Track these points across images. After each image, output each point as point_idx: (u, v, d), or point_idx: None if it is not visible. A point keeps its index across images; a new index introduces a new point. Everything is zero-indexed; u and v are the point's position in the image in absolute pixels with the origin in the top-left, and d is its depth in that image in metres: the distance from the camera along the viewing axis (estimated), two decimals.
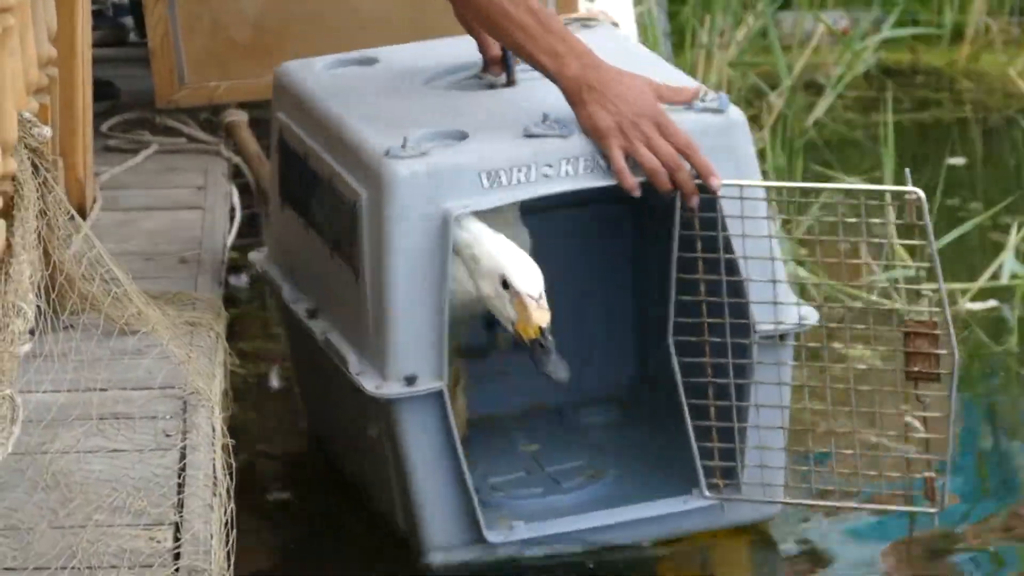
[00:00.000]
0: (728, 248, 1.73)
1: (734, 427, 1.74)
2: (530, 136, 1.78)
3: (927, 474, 1.73)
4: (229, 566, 1.52)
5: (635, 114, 1.69)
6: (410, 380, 1.76)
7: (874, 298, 2.52)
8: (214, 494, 1.70)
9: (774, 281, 1.72)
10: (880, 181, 2.92)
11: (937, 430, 1.77)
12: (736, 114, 1.82)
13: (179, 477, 1.71)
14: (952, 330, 1.73)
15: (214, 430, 1.86)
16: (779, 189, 2.20)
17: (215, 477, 1.73)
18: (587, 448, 2.10)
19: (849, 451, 1.86)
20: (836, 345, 2.07)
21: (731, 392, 1.75)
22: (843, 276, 2.14)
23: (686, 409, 1.77)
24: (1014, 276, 2.78)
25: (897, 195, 1.82)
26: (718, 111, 1.80)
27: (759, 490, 1.79)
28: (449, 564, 1.84)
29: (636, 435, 2.09)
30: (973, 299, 2.79)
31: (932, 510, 1.76)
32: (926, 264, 1.83)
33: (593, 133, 1.73)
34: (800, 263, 2.65)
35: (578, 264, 2.04)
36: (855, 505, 1.87)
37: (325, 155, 1.91)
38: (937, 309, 1.75)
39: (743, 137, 1.83)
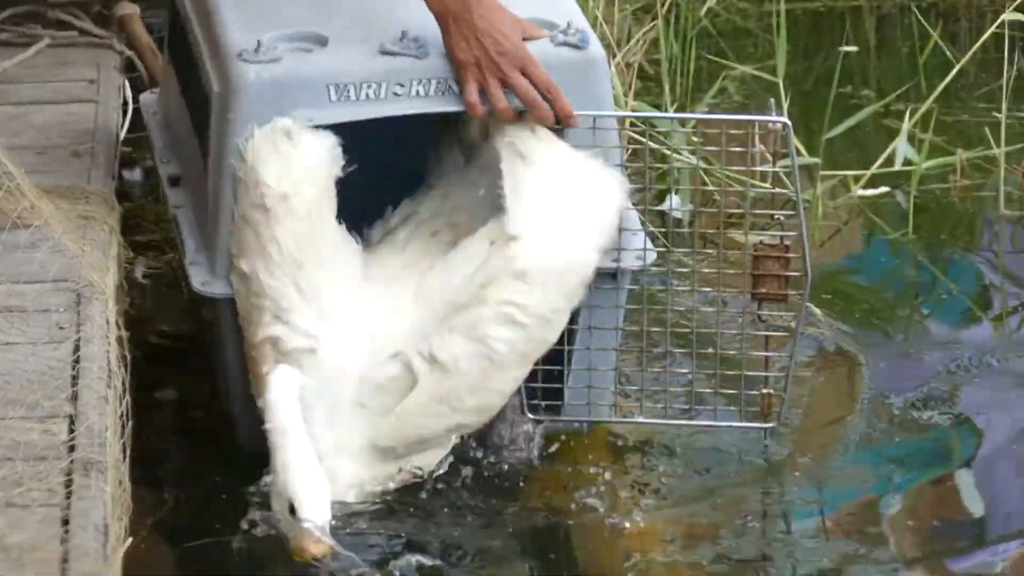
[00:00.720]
0: None
1: (564, 351, 1.80)
2: (385, 53, 1.77)
3: (765, 391, 1.85)
4: (124, 458, 1.55)
5: (497, 52, 1.73)
6: None
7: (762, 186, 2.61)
8: (109, 386, 1.72)
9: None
10: (773, 71, 2.94)
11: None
12: (596, 51, 1.87)
13: (73, 370, 1.72)
14: (807, 252, 1.82)
15: (108, 322, 1.86)
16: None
17: (110, 369, 1.75)
18: None
19: (686, 371, 1.97)
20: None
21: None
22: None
23: None
24: (907, 162, 2.86)
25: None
26: (578, 47, 1.84)
27: (584, 410, 1.87)
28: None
29: None
30: (866, 186, 2.89)
31: (766, 426, 1.88)
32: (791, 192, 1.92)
33: (454, 63, 1.76)
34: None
35: None
36: (684, 423, 1.96)
37: (198, 34, 1.93)
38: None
39: (601, 73, 1.88)
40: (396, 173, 1.95)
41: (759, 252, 1.87)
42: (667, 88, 3.02)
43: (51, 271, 1.93)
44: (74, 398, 1.69)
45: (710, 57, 3.31)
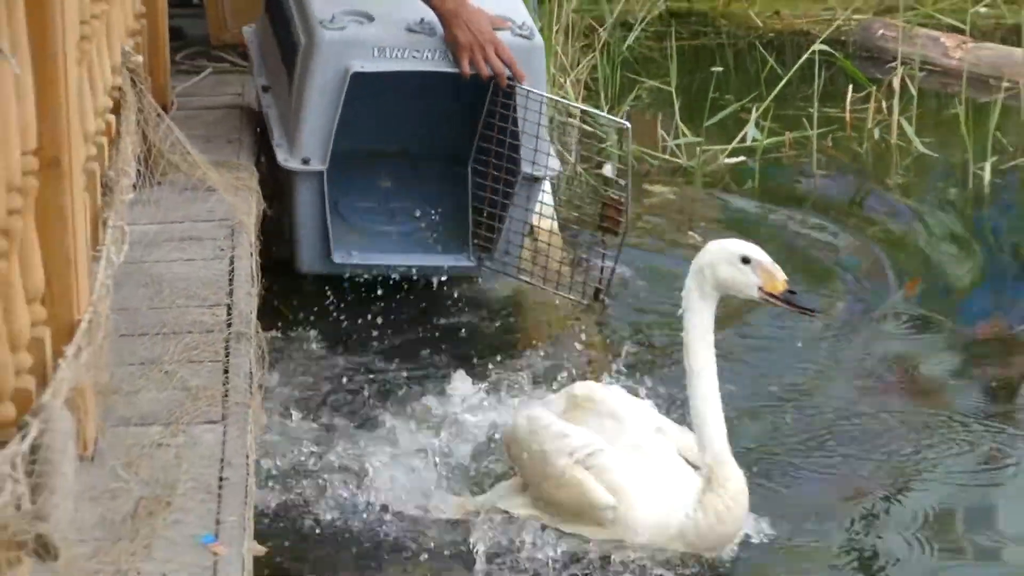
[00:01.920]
0: (514, 124, 2.70)
1: (496, 222, 2.79)
2: (410, 30, 2.70)
3: (598, 277, 2.88)
4: (259, 331, 2.18)
5: (481, 38, 2.62)
6: (305, 161, 2.70)
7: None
8: (252, 285, 2.34)
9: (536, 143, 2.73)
10: (669, 83, 4.23)
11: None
12: (538, 41, 2.84)
13: (229, 275, 2.36)
14: (628, 207, 2.80)
15: (251, 245, 2.46)
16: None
17: (252, 275, 2.38)
18: (422, 194, 2.94)
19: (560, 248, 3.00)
20: None
21: (500, 203, 2.77)
22: None
23: (471, 208, 2.85)
24: (754, 140, 4.06)
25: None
26: (528, 38, 2.77)
27: (500, 264, 2.87)
28: (311, 271, 2.80)
29: (457, 192, 2.94)
30: (728, 156, 4.02)
31: (585, 302, 2.88)
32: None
33: (453, 45, 2.62)
34: None
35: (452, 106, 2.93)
36: (542, 286, 2.91)
37: (292, 5, 2.88)
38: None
39: (541, 55, 2.86)
40: (404, 119, 2.86)
41: (605, 201, 2.92)
42: (602, 96, 4.23)
43: (217, 213, 2.60)
44: (230, 294, 2.26)
45: (630, 75, 4.46)
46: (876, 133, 4.28)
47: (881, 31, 5.01)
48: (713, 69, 4.78)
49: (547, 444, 1.98)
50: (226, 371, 1.92)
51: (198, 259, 2.43)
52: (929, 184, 4.17)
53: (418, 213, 2.89)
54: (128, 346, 1.91)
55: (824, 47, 4.31)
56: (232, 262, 2.40)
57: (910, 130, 4.16)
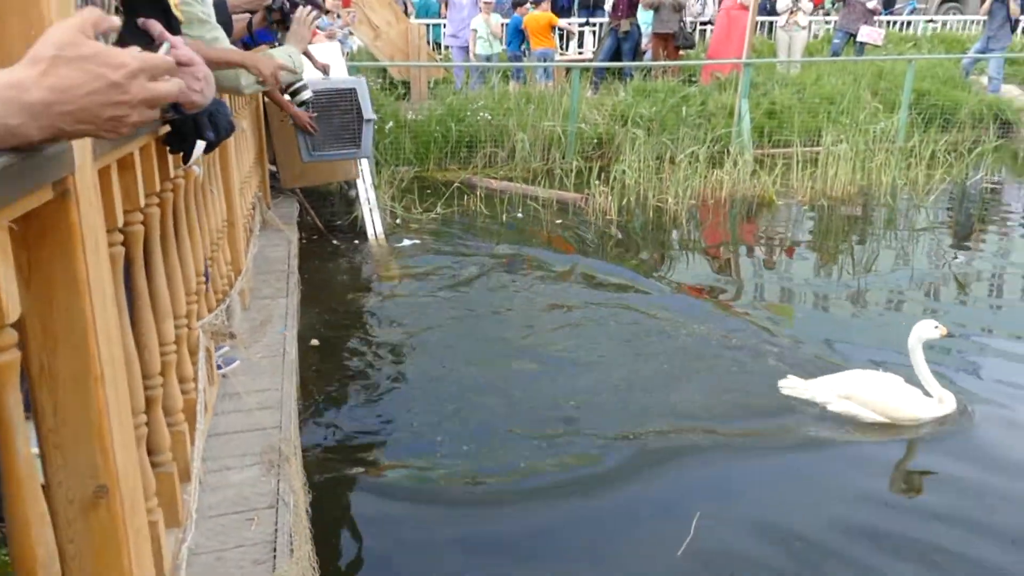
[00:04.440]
0: None
1: None
2: None
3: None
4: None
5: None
6: None
7: None
8: (291, 260, 4.62)
9: None
10: None
11: None
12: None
13: (288, 257, 4.81)
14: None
15: (292, 243, 4.67)
16: None
17: (290, 257, 4.66)
18: None
19: None
20: None
21: None
22: None
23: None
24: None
25: None
26: None
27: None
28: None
29: None
30: None
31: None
32: None
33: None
34: None
35: None
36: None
37: None
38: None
39: (363, 88, 4.93)
40: None
41: None
42: None
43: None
44: (289, 272, 3.86)
45: None
46: None
47: None
48: None
49: None
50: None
51: (268, 245, 5.10)
52: None
53: None
54: None
55: None
56: (289, 251, 5.12)
57: None
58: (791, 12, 12.39)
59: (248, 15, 3.90)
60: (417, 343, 5.04)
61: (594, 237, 7.39)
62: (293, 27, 3.49)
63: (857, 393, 4.19)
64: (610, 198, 8.11)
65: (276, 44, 3.83)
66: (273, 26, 3.78)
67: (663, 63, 11.76)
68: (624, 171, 8.66)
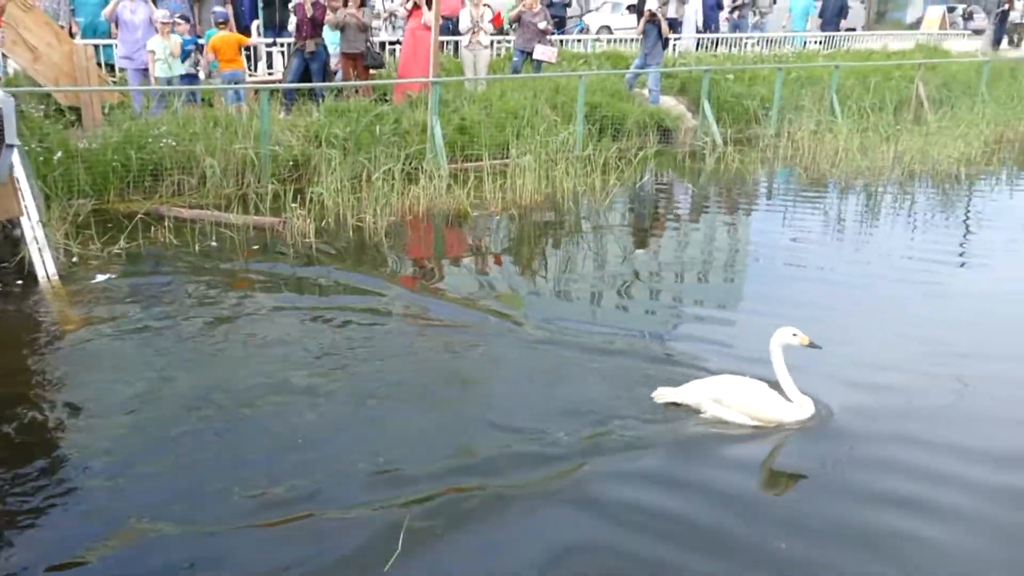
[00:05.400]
0: None
1: None
2: None
3: None
4: None
5: None
6: None
7: None
8: None
9: None
10: None
11: None
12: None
13: None
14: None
15: None
16: None
17: None
18: None
19: None
20: None
21: None
22: None
23: None
24: None
25: None
26: None
27: None
28: None
29: None
30: None
31: None
32: None
33: None
34: None
35: None
36: None
37: None
38: None
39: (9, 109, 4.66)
40: None
41: None
42: None
43: None
44: None
45: None
46: None
47: None
48: None
49: None
50: None
51: None
52: None
53: None
54: None
55: None
56: None
57: None
58: (473, 32, 12.99)
59: None
60: (107, 397, 4.64)
61: (293, 261, 7.26)
62: None
63: (725, 396, 4.39)
64: (308, 220, 8.00)
65: None
66: None
67: (354, 83, 11.81)
68: (322, 192, 8.59)
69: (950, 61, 18.63)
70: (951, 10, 35.95)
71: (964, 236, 8.59)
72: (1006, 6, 23.05)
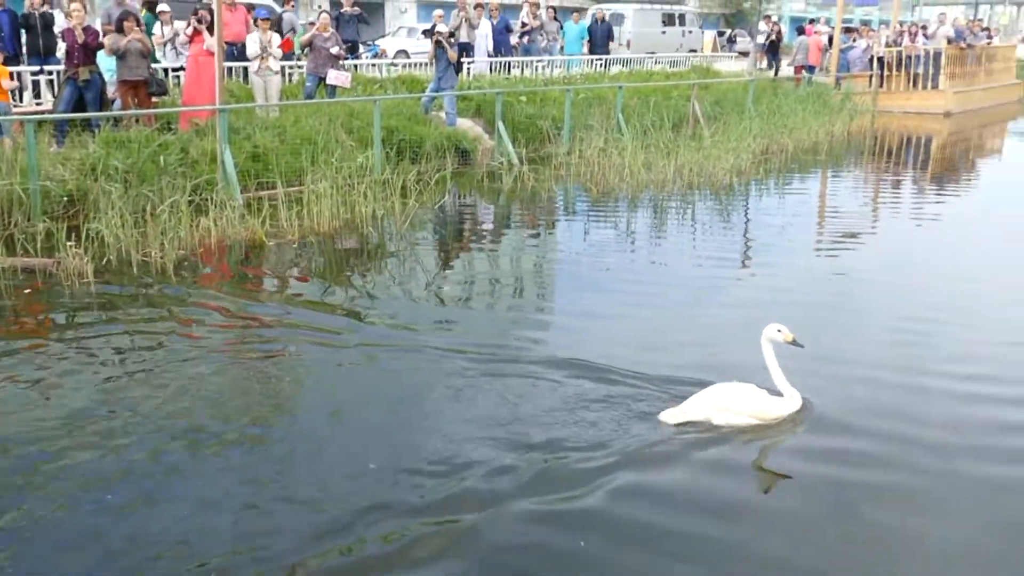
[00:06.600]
0: None
1: None
2: None
3: None
4: None
5: None
6: None
7: None
8: None
9: None
10: None
11: None
12: None
13: None
14: None
15: None
16: None
17: None
18: None
19: None
20: None
21: None
22: None
23: None
24: None
25: None
26: None
27: None
28: None
29: None
30: None
31: None
32: None
33: None
34: None
35: None
36: None
37: None
38: None
39: None
40: None
41: None
42: None
43: None
44: None
45: None
46: None
47: None
48: None
49: None
50: None
51: None
52: None
53: None
54: None
55: None
56: None
57: None
58: (262, 58, 12.64)
59: None
60: None
61: (69, 303, 6.73)
62: None
63: (731, 404, 4.48)
64: (86, 259, 7.44)
65: None
66: None
67: (134, 111, 11.16)
68: (100, 229, 8.02)
69: (720, 81, 20.20)
70: (720, 34, 39.12)
71: (741, 237, 9.32)
72: (773, 37, 25.21)
